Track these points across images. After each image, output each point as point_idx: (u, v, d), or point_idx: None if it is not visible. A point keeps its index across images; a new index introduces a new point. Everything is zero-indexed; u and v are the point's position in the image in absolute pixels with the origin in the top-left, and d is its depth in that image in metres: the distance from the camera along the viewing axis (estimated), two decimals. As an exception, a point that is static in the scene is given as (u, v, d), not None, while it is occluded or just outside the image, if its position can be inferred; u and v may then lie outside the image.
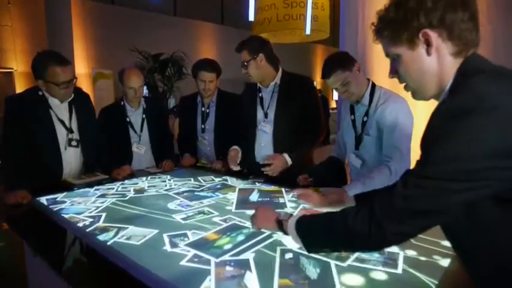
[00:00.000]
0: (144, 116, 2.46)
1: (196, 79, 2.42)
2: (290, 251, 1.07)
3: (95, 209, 1.50)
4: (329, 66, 1.65)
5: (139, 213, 1.45)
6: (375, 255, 1.02)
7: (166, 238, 1.18)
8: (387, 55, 0.86)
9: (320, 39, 5.55)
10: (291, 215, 1.03)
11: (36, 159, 1.95)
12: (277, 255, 1.04)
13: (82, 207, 1.54)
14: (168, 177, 2.09)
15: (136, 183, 1.94)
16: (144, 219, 1.37)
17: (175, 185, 1.90)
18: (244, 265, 0.98)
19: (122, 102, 2.44)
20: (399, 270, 0.95)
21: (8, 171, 1.83)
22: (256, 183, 1.90)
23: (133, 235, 1.22)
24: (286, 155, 1.99)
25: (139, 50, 6.28)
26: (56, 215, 1.46)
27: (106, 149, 2.25)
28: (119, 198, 1.65)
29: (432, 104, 0.78)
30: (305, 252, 0.98)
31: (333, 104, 10.94)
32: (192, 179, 2.02)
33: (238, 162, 2.10)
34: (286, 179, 1.87)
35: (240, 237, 1.16)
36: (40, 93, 1.95)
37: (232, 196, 1.66)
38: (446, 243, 1.05)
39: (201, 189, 1.81)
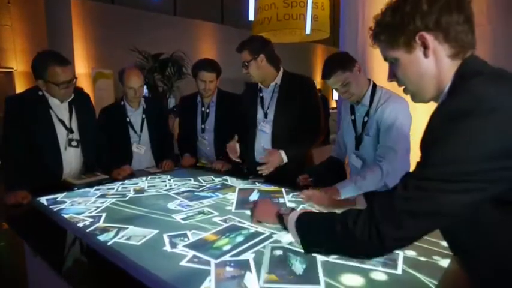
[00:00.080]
0: (144, 116, 2.46)
1: (196, 79, 2.42)
2: (280, 248, 1.08)
3: (95, 209, 1.50)
4: (329, 67, 1.65)
5: (139, 213, 1.45)
6: (375, 256, 1.03)
7: (166, 238, 1.18)
8: (385, 59, 0.87)
9: (320, 39, 5.55)
10: (293, 209, 1.02)
11: (36, 159, 1.95)
12: (267, 251, 1.06)
13: (82, 207, 1.54)
14: (168, 177, 2.09)
15: (136, 183, 1.94)
16: (144, 220, 1.38)
17: (175, 185, 1.91)
18: (244, 265, 0.98)
19: (122, 102, 2.44)
20: (399, 271, 0.96)
21: (8, 171, 1.83)
22: (256, 183, 1.90)
23: (134, 235, 1.22)
24: (282, 152, 1.98)
25: (139, 49, 6.28)
26: (56, 215, 1.46)
27: (106, 149, 2.25)
28: (119, 198, 1.65)
29: (432, 105, 0.78)
30: (294, 248, 0.98)
31: (333, 104, 10.94)
32: (192, 179, 2.02)
33: (238, 153, 2.10)
34: (286, 179, 1.87)
35: (239, 238, 1.16)
36: (40, 93, 1.95)
37: (232, 196, 1.66)
38: (446, 244, 1.05)
39: (201, 189, 1.81)
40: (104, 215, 1.43)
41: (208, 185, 1.89)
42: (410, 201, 0.70)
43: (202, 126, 2.53)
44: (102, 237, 1.21)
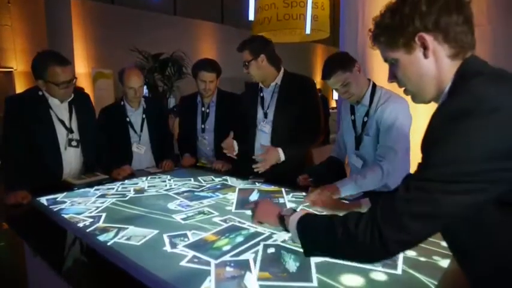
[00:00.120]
0: (144, 116, 2.46)
1: (197, 79, 2.42)
2: (272, 245, 1.09)
3: (95, 209, 1.50)
4: (329, 67, 1.65)
5: (139, 213, 1.45)
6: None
7: (166, 238, 1.18)
8: (385, 60, 0.87)
9: (320, 38, 5.55)
10: (294, 210, 1.01)
11: (36, 159, 1.95)
12: (260, 249, 1.07)
13: (82, 207, 1.54)
14: (168, 177, 2.09)
15: (136, 183, 1.94)
16: (144, 220, 1.38)
17: (175, 185, 1.91)
18: (244, 266, 0.98)
19: (122, 102, 2.44)
20: (399, 271, 0.96)
21: (8, 171, 1.83)
22: (256, 183, 1.90)
23: (134, 235, 1.22)
24: (280, 150, 1.97)
25: (139, 49, 6.28)
26: (56, 215, 1.46)
27: (106, 149, 2.25)
28: (119, 199, 1.65)
29: (433, 105, 0.78)
30: (287, 246, 0.98)
31: (333, 104, 10.94)
32: (192, 179, 2.02)
33: (236, 151, 2.09)
34: (286, 179, 1.87)
35: (239, 239, 1.16)
36: (40, 93, 1.95)
37: (232, 196, 1.66)
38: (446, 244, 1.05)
39: (201, 189, 1.81)
40: (104, 215, 1.43)
41: (208, 185, 1.89)
42: (411, 202, 0.69)
43: (202, 126, 2.53)
44: (102, 237, 1.21)
